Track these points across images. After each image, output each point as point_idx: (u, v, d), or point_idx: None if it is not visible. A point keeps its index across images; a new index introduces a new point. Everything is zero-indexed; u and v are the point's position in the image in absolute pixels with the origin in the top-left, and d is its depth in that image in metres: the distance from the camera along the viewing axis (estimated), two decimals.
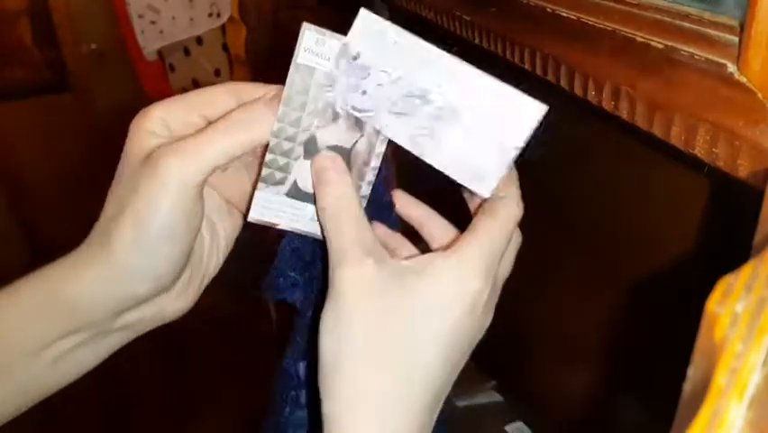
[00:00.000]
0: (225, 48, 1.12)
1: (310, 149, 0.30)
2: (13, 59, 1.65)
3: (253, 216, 0.31)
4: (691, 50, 0.29)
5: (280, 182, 0.30)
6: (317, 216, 0.30)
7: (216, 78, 1.20)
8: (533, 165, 0.78)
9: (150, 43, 1.25)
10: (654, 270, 0.57)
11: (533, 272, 0.84)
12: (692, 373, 0.16)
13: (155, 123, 0.27)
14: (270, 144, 0.29)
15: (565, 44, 0.40)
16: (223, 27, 1.09)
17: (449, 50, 0.29)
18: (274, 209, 0.31)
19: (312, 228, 0.32)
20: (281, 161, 0.30)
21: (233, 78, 1.09)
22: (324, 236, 0.28)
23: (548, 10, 0.40)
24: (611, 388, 0.67)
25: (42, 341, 0.30)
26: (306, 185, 0.30)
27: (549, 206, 0.73)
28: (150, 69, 1.36)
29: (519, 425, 0.83)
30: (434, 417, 0.26)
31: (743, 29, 0.27)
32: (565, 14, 0.38)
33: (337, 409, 0.24)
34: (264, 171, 0.30)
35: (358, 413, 0.24)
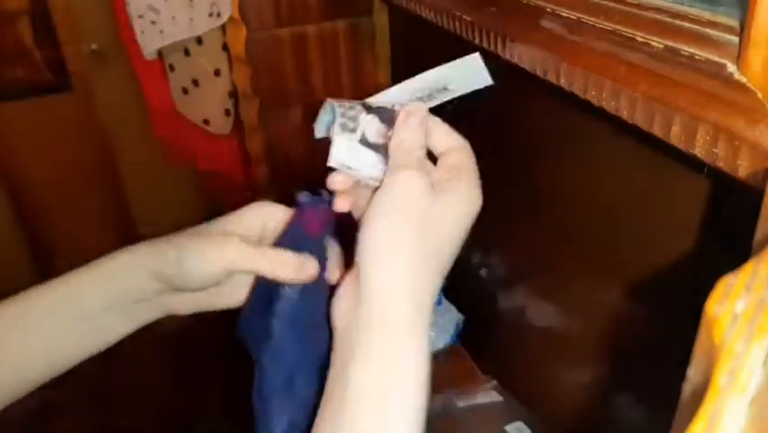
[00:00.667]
0: (225, 48, 1.12)
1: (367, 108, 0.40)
2: (14, 59, 1.65)
3: (334, 160, 0.38)
4: (691, 50, 0.29)
5: (353, 130, 0.38)
6: (382, 161, 0.38)
7: (216, 77, 1.20)
8: (533, 165, 0.78)
9: (150, 43, 1.25)
10: (654, 270, 0.57)
11: (533, 273, 0.84)
12: (692, 373, 0.16)
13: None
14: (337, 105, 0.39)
15: (565, 44, 0.40)
16: (223, 27, 1.09)
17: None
18: (349, 155, 0.38)
19: (372, 173, 0.38)
20: (349, 112, 0.39)
21: (232, 78, 1.09)
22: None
23: (548, 10, 0.40)
24: (611, 388, 0.67)
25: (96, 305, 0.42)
26: (371, 136, 0.38)
27: (549, 206, 0.73)
28: (150, 68, 1.35)
29: (519, 425, 0.83)
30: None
31: (743, 29, 0.27)
32: (565, 14, 0.38)
33: (378, 262, 0.33)
34: (340, 120, 0.38)
35: (398, 267, 0.32)
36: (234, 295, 0.44)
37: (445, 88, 0.42)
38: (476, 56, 0.40)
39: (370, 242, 0.33)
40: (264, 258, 0.40)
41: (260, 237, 0.44)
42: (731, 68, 0.27)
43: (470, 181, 0.37)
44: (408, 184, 0.34)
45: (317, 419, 0.32)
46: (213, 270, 0.40)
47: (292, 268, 0.40)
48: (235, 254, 0.40)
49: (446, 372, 0.95)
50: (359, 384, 0.31)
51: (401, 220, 0.33)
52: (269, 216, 0.43)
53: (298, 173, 1.03)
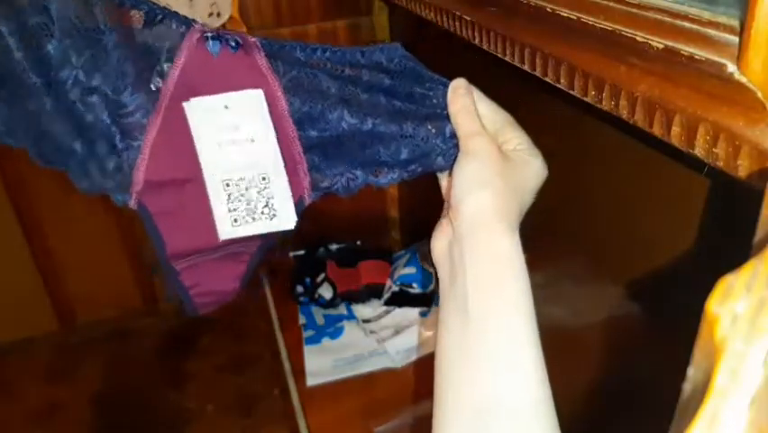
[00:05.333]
0: None
1: None
2: None
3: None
4: (691, 50, 0.29)
5: None
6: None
7: None
8: None
9: None
10: (655, 270, 0.57)
11: (532, 273, 0.84)
12: (692, 373, 0.16)
13: None
14: None
15: (565, 44, 0.40)
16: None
17: None
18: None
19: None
20: None
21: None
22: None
23: (548, 10, 0.40)
24: (611, 388, 0.67)
25: None
26: None
27: (548, 206, 0.73)
28: None
29: None
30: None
31: (743, 29, 0.27)
32: (565, 14, 0.38)
33: (470, 193, 0.38)
34: None
35: (488, 193, 0.37)
36: None
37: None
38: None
39: (462, 181, 0.38)
40: None
41: None
42: (731, 68, 0.27)
43: (532, 146, 0.42)
44: (485, 146, 0.39)
45: (440, 315, 0.38)
46: None
47: None
48: None
49: None
50: (472, 277, 0.36)
51: (485, 164, 0.38)
52: None
53: None
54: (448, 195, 0.40)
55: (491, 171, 0.38)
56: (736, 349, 0.14)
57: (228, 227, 0.44)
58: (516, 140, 0.41)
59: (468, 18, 0.52)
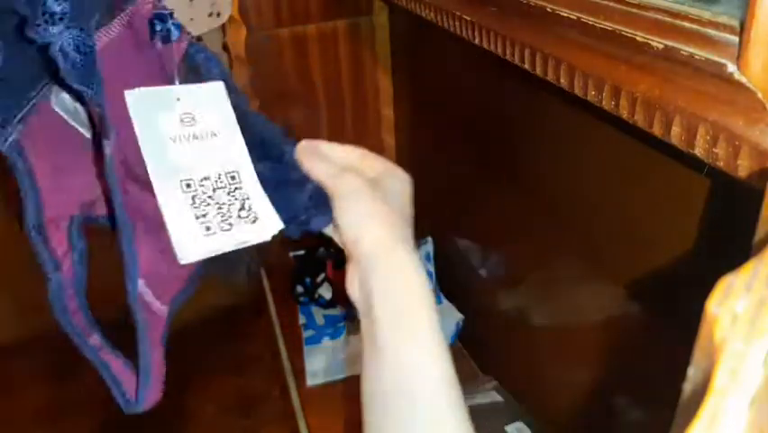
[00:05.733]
0: (225, 48, 1.12)
1: None
2: None
3: None
4: (691, 49, 0.29)
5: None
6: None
7: None
8: (533, 165, 0.78)
9: None
10: (654, 269, 0.57)
11: (533, 273, 0.84)
12: (692, 373, 0.16)
13: None
14: None
15: (565, 44, 0.40)
16: (223, 27, 1.09)
17: None
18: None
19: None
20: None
21: (232, 77, 1.10)
22: None
23: (548, 10, 0.40)
24: (611, 388, 0.67)
25: None
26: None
27: (549, 206, 0.73)
28: None
29: (519, 425, 0.83)
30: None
31: (743, 29, 0.27)
32: (565, 14, 0.38)
33: (362, 229, 0.38)
34: None
35: (377, 223, 0.38)
36: None
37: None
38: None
39: (347, 224, 0.39)
40: None
41: None
42: (731, 68, 0.27)
43: (388, 164, 0.43)
44: (350, 182, 0.40)
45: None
46: None
47: None
48: None
49: None
50: (380, 305, 0.37)
51: (358, 198, 0.39)
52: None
53: None
54: (343, 243, 0.40)
55: (367, 203, 0.39)
56: (736, 349, 0.14)
57: (200, 237, 0.37)
58: (372, 164, 0.43)
59: (468, 18, 0.52)
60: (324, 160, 0.41)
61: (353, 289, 0.39)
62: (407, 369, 0.37)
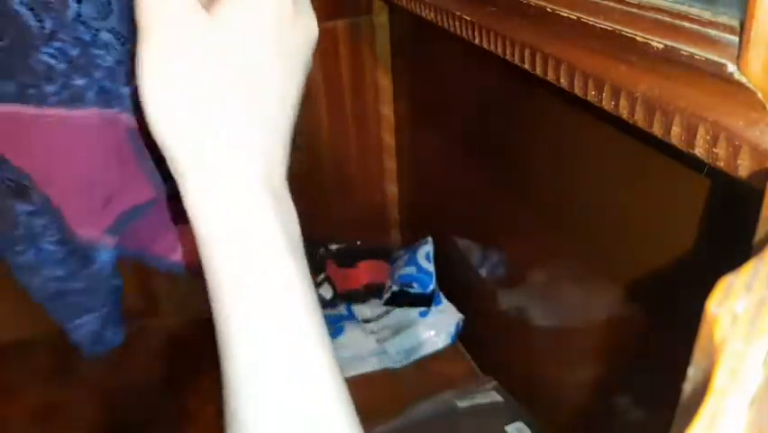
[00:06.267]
0: None
1: None
2: None
3: None
4: (691, 49, 0.29)
5: None
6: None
7: None
8: (532, 165, 0.78)
9: None
10: (654, 269, 0.57)
11: (533, 272, 0.84)
12: (692, 373, 0.16)
13: None
14: None
15: (565, 44, 0.40)
16: None
17: None
18: None
19: None
20: None
21: None
22: None
23: (548, 10, 0.40)
24: (611, 388, 0.67)
25: None
26: None
27: (549, 206, 0.73)
28: None
29: (519, 425, 0.83)
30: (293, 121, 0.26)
31: (743, 29, 0.27)
32: (565, 14, 0.38)
33: (192, 160, 0.23)
34: None
35: (219, 155, 0.23)
36: None
37: None
38: None
39: (148, 102, 0.25)
40: None
41: None
42: (731, 68, 0.27)
43: None
44: (156, 28, 0.24)
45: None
46: None
47: None
48: None
49: (446, 372, 0.95)
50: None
51: (169, 43, 0.23)
52: None
53: None
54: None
55: (188, 54, 0.23)
56: (736, 349, 0.14)
57: None
58: None
59: (468, 18, 0.52)
60: None
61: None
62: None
